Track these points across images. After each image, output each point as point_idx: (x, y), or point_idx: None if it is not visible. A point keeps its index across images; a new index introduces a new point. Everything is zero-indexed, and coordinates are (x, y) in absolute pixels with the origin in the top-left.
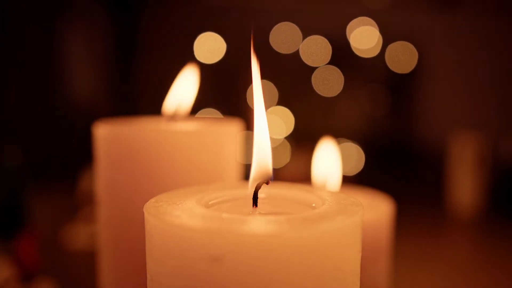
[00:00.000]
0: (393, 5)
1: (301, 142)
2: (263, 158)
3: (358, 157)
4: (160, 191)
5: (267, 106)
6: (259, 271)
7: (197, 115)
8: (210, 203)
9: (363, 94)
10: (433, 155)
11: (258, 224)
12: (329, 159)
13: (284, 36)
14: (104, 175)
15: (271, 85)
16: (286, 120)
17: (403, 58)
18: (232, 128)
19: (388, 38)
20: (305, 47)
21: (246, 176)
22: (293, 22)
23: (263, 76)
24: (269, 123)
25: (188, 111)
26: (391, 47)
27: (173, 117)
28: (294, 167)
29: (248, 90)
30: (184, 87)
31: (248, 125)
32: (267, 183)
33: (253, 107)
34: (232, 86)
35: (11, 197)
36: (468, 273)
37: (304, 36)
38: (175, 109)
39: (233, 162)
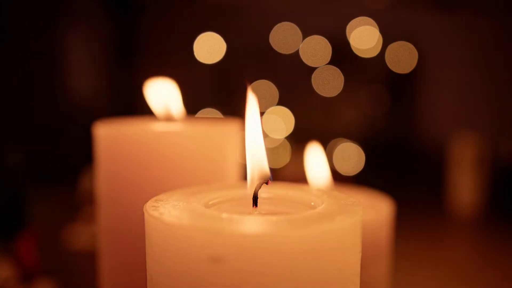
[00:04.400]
0: (393, 5)
1: (301, 142)
2: (258, 159)
3: (358, 157)
4: (160, 191)
5: (266, 107)
6: (259, 271)
7: (197, 115)
8: (210, 203)
9: (363, 94)
10: (433, 155)
11: (258, 224)
12: (318, 162)
13: (284, 36)
14: (104, 175)
15: (271, 85)
16: (286, 120)
17: (403, 58)
18: (232, 128)
19: (388, 38)
20: (305, 47)
21: (246, 177)
22: (293, 22)
23: (263, 76)
24: (263, 124)
25: (180, 112)
26: (391, 47)
27: (173, 118)
28: (294, 167)
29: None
30: (165, 91)
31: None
32: (266, 183)
33: (246, 109)
34: (232, 86)
35: (11, 197)
36: (468, 273)
37: (304, 36)
38: (166, 112)
39: (233, 162)
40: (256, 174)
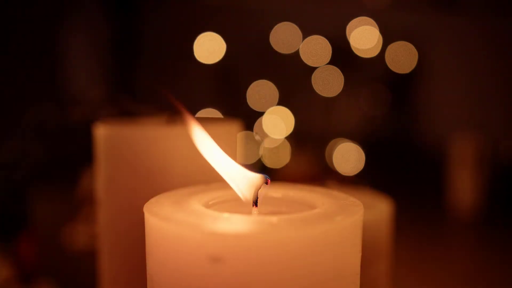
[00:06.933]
0: (393, 5)
1: (301, 142)
2: (240, 177)
3: (358, 157)
4: (160, 191)
5: (266, 107)
6: (259, 271)
7: (197, 115)
8: (210, 203)
9: (363, 94)
10: (433, 155)
11: (258, 224)
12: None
13: (284, 36)
14: (104, 175)
15: (271, 85)
16: (286, 120)
17: (403, 58)
18: (232, 128)
19: (388, 38)
20: (305, 47)
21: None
22: (293, 22)
23: (263, 76)
24: (263, 125)
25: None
26: (391, 47)
27: (173, 118)
28: (294, 167)
29: (248, 90)
30: None
31: (248, 125)
32: (266, 183)
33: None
34: (232, 86)
35: (11, 197)
36: (468, 273)
37: (304, 36)
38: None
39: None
40: (248, 189)
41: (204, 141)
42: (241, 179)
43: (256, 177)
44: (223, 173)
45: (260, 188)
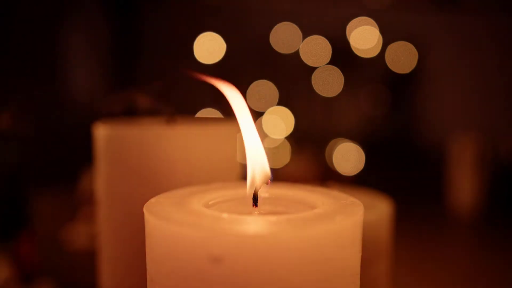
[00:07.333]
0: (393, 5)
1: (301, 142)
2: (259, 161)
3: (358, 157)
4: (160, 191)
5: (266, 107)
6: (259, 271)
7: (197, 115)
8: (210, 203)
9: (363, 94)
10: (433, 155)
11: (258, 224)
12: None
13: (284, 36)
14: (104, 175)
15: (271, 85)
16: (286, 120)
17: (403, 58)
18: (232, 128)
19: (388, 38)
20: (305, 47)
21: (245, 177)
22: (293, 22)
23: (263, 76)
24: (263, 125)
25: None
26: (391, 47)
27: (173, 117)
28: (294, 167)
29: (248, 90)
30: None
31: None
32: (266, 183)
33: (238, 114)
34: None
35: (11, 197)
36: (468, 273)
37: (304, 36)
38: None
39: (233, 162)
40: (257, 175)
41: (242, 108)
42: (257, 163)
43: (267, 169)
44: (248, 147)
45: (266, 181)
